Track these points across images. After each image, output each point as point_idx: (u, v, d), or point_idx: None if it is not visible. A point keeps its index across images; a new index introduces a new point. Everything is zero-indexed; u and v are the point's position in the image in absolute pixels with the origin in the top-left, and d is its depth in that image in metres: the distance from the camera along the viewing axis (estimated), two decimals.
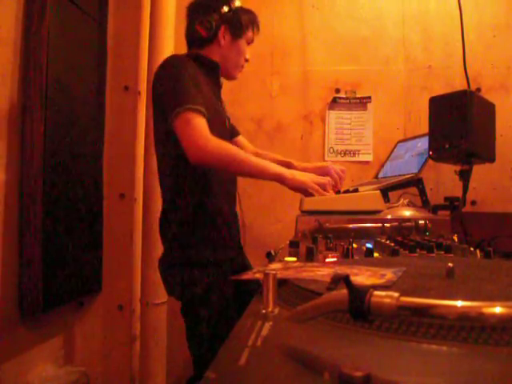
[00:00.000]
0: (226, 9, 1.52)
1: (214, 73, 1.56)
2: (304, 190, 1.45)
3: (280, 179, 1.41)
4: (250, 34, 1.58)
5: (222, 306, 1.38)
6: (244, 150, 1.60)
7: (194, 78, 1.40)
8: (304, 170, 1.66)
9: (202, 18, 1.52)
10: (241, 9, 1.56)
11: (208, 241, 1.44)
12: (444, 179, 2.09)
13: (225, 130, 1.57)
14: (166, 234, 1.51)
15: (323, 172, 1.62)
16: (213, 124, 1.39)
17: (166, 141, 1.43)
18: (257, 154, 1.69)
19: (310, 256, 0.89)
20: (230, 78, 1.63)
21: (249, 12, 1.58)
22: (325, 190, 1.46)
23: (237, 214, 1.64)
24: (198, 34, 1.53)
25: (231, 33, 1.54)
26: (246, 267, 1.58)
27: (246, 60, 1.61)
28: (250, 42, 1.61)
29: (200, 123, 1.33)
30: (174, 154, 1.42)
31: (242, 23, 1.55)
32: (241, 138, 1.79)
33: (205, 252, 1.43)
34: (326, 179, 1.48)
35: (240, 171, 1.46)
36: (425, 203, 1.69)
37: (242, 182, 1.80)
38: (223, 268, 1.43)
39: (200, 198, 1.44)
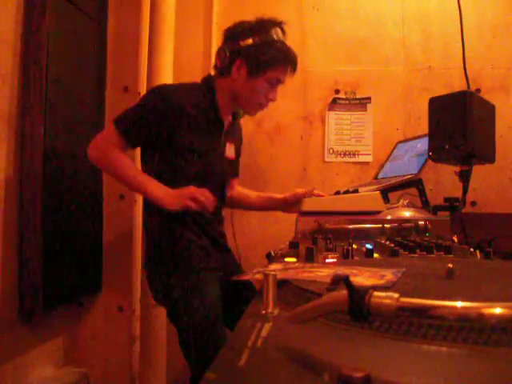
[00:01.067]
0: (246, 42, 1.40)
1: (214, 114, 1.48)
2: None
3: (153, 201, 1.40)
4: (273, 73, 1.43)
5: (203, 311, 1.36)
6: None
7: (157, 115, 1.38)
8: (285, 199, 1.69)
9: (220, 47, 1.45)
10: (269, 44, 1.41)
11: (180, 255, 1.42)
12: (444, 180, 2.09)
13: (214, 165, 1.49)
14: (146, 241, 1.54)
15: (303, 196, 1.60)
16: (194, 163, 1.42)
17: (149, 160, 1.49)
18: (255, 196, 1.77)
19: (309, 257, 0.89)
20: (246, 113, 1.58)
21: (278, 50, 1.42)
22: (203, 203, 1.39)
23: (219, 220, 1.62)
24: (215, 61, 1.48)
25: (247, 69, 1.41)
26: (231, 271, 1.53)
27: (270, 100, 1.49)
28: (275, 84, 1.46)
29: (111, 138, 1.39)
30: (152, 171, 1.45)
31: (262, 61, 1.40)
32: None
33: (181, 262, 1.42)
34: (201, 194, 1.39)
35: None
36: (425, 204, 1.69)
37: (241, 182, 1.80)
38: (202, 274, 1.41)
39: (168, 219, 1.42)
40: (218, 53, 1.46)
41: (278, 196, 1.72)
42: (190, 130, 1.41)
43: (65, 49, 1.82)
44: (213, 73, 1.56)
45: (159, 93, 1.42)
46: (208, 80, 1.53)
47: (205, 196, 1.38)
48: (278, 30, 1.44)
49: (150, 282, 1.50)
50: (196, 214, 1.43)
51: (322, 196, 1.62)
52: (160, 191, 1.37)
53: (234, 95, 1.48)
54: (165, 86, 1.51)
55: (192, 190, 1.37)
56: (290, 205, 1.67)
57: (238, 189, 1.77)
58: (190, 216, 1.43)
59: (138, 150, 1.59)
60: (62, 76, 1.79)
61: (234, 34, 1.43)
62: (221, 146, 1.53)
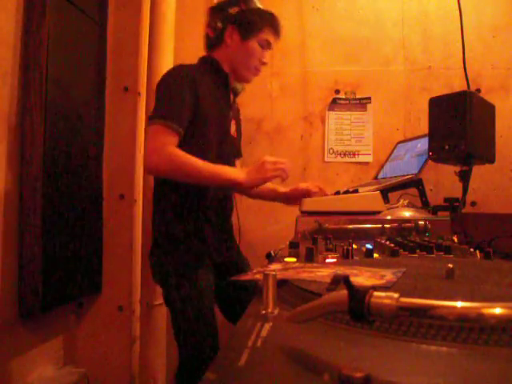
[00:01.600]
0: (235, 9, 1.50)
1: (224, 82, 1.55)
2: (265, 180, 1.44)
3: (235, 184, 1.44)
4: (263, 35, 1.52)
5: (197, 296, 1.41)
6: None
7: (187, 91, 1.40)
8: (285, 194, 1.72)
9: (210, 19, 1.54)
10: (254, 10, 1.52)
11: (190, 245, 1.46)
12: (444, 180, 2.09)
13: (226, 141, 1.56)
14: (154, 225, 1.54)
15: (302, 193, 1.65)
16: (213, 137, 1.46)
17: None
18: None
19: (309, 257, 0.89)
20: (243, 80, 1.61)
21: (265, 13, 1.53)
22: (283, 171, 1.44)
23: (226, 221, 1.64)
24: (207, 35, 1.55)
25: (240, 33, 1.51)
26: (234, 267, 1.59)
27: (263, 63, 1.57)
28: (265, 46, 1.55)
29: (163, 137, 1.36)
30: None
31: (252, 24, 1.50)
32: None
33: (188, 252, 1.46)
34: (278, 162, 1.44)
35: (196, 183, 1.44)
36: (425, 204, 1.69)
37: None
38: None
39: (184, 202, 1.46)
40: (209, 25, 1.53)
41: (281, 189, 1.75)
42: (209, 108, 1.45)
43: (65, 49, 1.82)
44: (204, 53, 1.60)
45: (179, 72, 1.46)
46: (206, 57, 1.57)
47: (281, 163, 1.44)
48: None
49: (152, 263, 1.54)
50: (208, 202, 1.48)
51: (325, 193, 1.63)
52: (240, 174, 1.42)
53: (230, 62, 1.54)
54: (180, 66, 1.52)
55: (267, 161, 1.41)
56: (291, 199, 1.71)
57: None
58: (203, 204, 1.47)
59: None
60: (61, 76, 1.80)
61: (220, 6, 1.53)
62: (229, 121, 1.59)
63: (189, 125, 1.42)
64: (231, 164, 1.60)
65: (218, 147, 1.50)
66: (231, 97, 1.61)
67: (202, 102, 1.43)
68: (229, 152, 1.59)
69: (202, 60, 1.57)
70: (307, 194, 1.64)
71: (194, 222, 1.47)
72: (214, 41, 1.54)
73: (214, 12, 1.54)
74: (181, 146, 1.39)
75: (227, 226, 1.63)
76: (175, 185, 1.45)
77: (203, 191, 1.47)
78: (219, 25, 1.51)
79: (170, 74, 1.48)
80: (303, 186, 1.69)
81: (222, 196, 1.56)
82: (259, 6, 1.54)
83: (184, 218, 1.47)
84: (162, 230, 1.49)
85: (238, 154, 1.76)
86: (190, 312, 1.40)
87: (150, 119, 1.42)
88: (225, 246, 1.59)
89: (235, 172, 1.44)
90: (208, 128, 1.46)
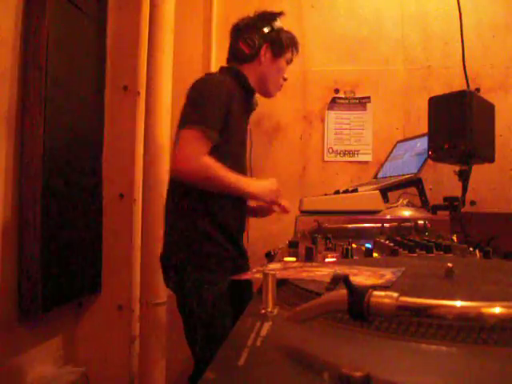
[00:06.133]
0: (268, 29, 1.61)
1: (249, 97, 1.63)
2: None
3: (252, 198, 1.59)
4: (289, 54, 1.66)
5: (216, 303, 1.42)
6: None
7: (223, 102, 1.46)
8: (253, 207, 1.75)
9: (245, 36, 1.61)
10: (282, 29, 1.64)
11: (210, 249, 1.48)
12: (443, 179, 2.09)
13: (243, 155, 1.65)
14: (170, 229, 1.56)
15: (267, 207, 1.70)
16: (234, 149, 1.54)
17: None
18: None
19: (309, 256, 0.89)
20: (268, 95, 1.71)
21: (289, 33, 1.67)
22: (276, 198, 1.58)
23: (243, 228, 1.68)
24: (241, 51, 1.62)
25: (272, 51, 1.61)
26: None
27: (285, 79, 1.70)
28: (289, 63, 1.69)
29: (199, 144, 1.40)
30: None
31: (283, 43, 1.63)
32: None
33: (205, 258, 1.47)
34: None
35: (217, 191, 1.47)
36: (424, 203, 1.69)
37: None
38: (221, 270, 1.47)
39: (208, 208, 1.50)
40: (246, 41, 1.61)
41: (251, 204, 1.76)
42: (235, 116, 1.51)
43: (65, 49, 1.82)
44: (225, 65, 1.67)
45: (213, 80, 1.54)
46: (235, 71, 1.61)
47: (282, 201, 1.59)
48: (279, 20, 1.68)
49: (166, 269, 1.54)
50: (230, 214, 1.53)
51: (286, 211, 1.65)
52: (258, 188, 1.54)
53: (259, 79, 1.63)
54: (212, 75, 1.63)
55: (276, 184, 1.57)
56: (258, 212, 1.77)
57: None
58: (228, 216, 1.52)
59: None
60: (61, 76, 1.79)
61: (250, 26, 1.62)
62: (247, 134, 1.70)
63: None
64: (245, 174, 1.67)
65: (237, 158, 1.56)
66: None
67: (231, 115, 1.48)
68: (243, 164, 1.65)
69: (231, 72, 1.60)
70: (270, 208, 1.68)
71: (212, 227, 1.48)
72: (248, 57, 1.61)
73: (250, 30, 1.62)
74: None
75: (243, 232, 1.67)
76: (198, 190, 1.46)
77: (225, 198, 1.50)
78: (256, 42, 1.59)
79: (207, 81, 1.53)
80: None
81: (241, 203, 1.60)
82: (281, 25, 1.66)
83: (204, 224, 1.48)
84: (179, 236, 1.50)
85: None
86: (208, 318, 1.41)
87: (185, 123, 1.43)
88: (241, 252, 1.62)
89: (256, 187, 1.54)
90: (233, 139, 1.53)
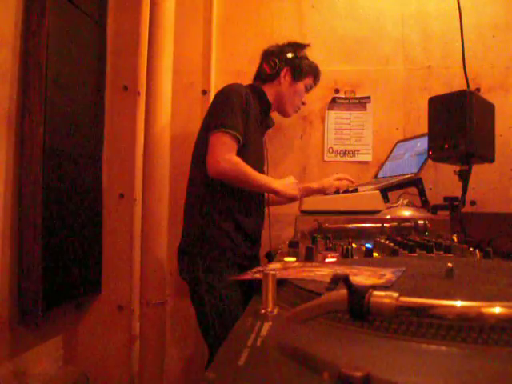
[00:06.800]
0: (291, 55, 1.81)
1: (265, 111, 1.80)
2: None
3: (275, 193, 1.68)
4: (308, 80, 1.85)
5: (225, 292, 1.55)
6: None
7: (244, 109, 1.62)
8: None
9: (269, 59, 1.81)
10: (306, 58, 1.85)
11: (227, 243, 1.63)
12: (443, 179, 2.09)
13: (260, 164, 1.77)
14: (188, 224, 1.71)
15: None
16: (250, 156, 1.64)
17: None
18: None
19: (309, 256, 0.89)
20: (285, 114, 1.91)
21: (312, 63, 1.87)
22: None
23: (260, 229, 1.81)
24: (264, 71, 1.82)
25: (292, 75, 1.80)
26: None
27: (303, 103, 1.90)
28: (308, 89, 1.88)
29: (228, 145, 1.57)
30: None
31: (303, 69, 1.82)
32: None
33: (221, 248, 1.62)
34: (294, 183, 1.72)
35: (248, 187, 1.65)
36: (424, 203, 1.69)
37: None
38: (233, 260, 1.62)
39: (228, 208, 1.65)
40: (268, 62, 1.81)
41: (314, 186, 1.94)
42: (251, 125, 1.66)
43: (65, 49, 1.82)
44: (247, 81, 1.84)
45: (237, 88, 1.67)
46: (255, 87, 1.80)
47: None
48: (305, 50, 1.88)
49: (181, 260, 1.68)
50: (248, 213, 1.69)
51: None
52: (280, 185, 1.67)
53: (277, 98, 1.82)
54: (240, 85, 1.71)
55: (297, 182, 1.73)
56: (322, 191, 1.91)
57: None
58: (242, 207, 1.67)
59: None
60: (61, 76, 1.79)
61: (280, 50, 1.83)
62: (263, 144, 1.85)
63: None
64: None
65: (253, 166, 1.65)
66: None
67: (248, 122, 1.63)
68: (262, 169, 1.79)
69: (252, 87, 1.78)
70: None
71: (229, 223, 1.63)
72: (268, 76, 1.81)
73: (274, 53, 1.82)
74: None
75: (260, 230, 1.80)
76: (219, 188, 1.63)
77: (245, 196, 1.67)
78: (277, 65, 1.79)
79: (231, 89, 1.65)
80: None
81: (259, 201, 1.76)
82: (307, 55, 1.86)
83: (222, 220, 1.62)
84: (194, 228, 1.65)
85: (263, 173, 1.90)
86: (218, 305, 1.53)
87: (215, 128, 1.58)
88: (254, 249, 1.75)
89: (275, 183, 1.66)
90: (249, 149, 1.65)
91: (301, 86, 1.83)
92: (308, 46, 1.89)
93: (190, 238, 1.66)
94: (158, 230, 2.04)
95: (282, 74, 1.80)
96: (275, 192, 1.66)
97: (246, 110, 1.63)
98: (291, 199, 1.72)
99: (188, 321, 2.15)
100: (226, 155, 1.56)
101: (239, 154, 1.61)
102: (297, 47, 1.85)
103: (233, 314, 1.51)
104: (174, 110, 2.13)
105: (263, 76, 1.82)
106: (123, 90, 2.23)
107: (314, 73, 1.86)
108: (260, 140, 1.80)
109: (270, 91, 1.80)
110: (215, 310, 1.53)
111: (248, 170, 1.59)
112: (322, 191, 1.87)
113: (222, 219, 1.63)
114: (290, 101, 1.84)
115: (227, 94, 1.64)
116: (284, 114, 1.90)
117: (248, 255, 1.68)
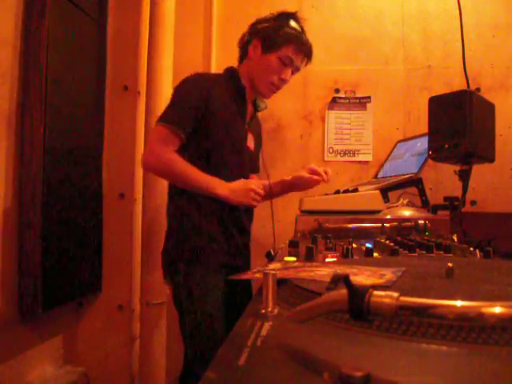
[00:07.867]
0: (263, 25, 1.54)
1: (241, 94, 1.56)
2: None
3: (219, 198, 1.46)
4: (285, 51, 1.52)
5: (205, 298, 1.42)
6: None
7: (201, 102, 1.44)
8: (291, 181, 1.67)
9: (243, 34, 1.61)
10: (280, 27, 1.52)
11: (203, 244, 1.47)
12: (443, 179, 2.09)
13: (241, 153, 1.56)
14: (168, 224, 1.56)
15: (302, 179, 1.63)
16: (225, 147, 1.49)
17: (183, 150, 1.48)
18: None
19: (309, 256, 0.89)
20: (261, 94, 1.61)
21: (291, 31, 1.53)
22: (257, 194, 1.49)
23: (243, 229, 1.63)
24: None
25: (262, 46, 1.53)
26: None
27: (282, 80, 1.56)
28: (288, 63, 1.54)
29: (165, 140, 1.43)
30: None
31: (275, 39, 1.51)
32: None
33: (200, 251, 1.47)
34: (249, 185, 1.49)
35: (184, 188, 1.48)
36: (424, 203, 1.69)
37: None
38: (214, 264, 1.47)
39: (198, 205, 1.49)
40: (240, 39, 1.60)
41: (287, 178, 1.70)
42: (220, 117, 1.48)
43: (65, 49, 1.82)
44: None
45: (192, 80, 1.50)
46: (230, 69, 1.61)
47: (260, 189, 1.50)
48: (294, 21, 1.57)
49: (163, 262, 1.55)
50: (229, 209, 1.50)
51: (321, 176, 1.59)
52: (224, 190, 1.45)
53: (250, 76, 1.57)
54: (196, 74, 1.55)
55: (253, 189, 1.47)
56: (298, 185, 1.69)
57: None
58: (224, 211, 1.49)
59: None
60: (61, 76, 1.79)
61: (254, 22, 1.59)
62: (244, 133, 1.60)
63: (197, 132, 1.46)
64: (245, 176, 1.58)
65: (230, 158, 1.51)
66: (249, 110, 1.61)
67: (212, 111, 1.46)
68: (243, 164, 1.58)
69: (225, 70, 1.61)
70: (312, 179, 1.60)
71: (206, 222, 1.48)
72: (240, 53, 1.61)
73: (249, 27, 1.60)
74: (190, 152, 1.46)
75: (244, 231, 1.63)
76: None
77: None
78: (246, 38, 1.58)
79: (183, 80, 1.51)
80: (304, 173, 1.64)
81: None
82: (294, 25, 1.55)
83: (197, 218, 1.48)
84: (173, 231, 1.52)
85: (255, 169, 1.74)
86: (196, 312, 1.41)
87: (157, 122, 1.47)
88: (237, 251, 1.57)
89: (220, 187, 1.45)
90: (219, 137, 1.48)
91: (273, 58, 1.51)
92: (294, 13, 1.59)
93: (170, 241, 1.53)
94: (158, 229, 2.04)
95: (251, 47, 1.55)
96: (220, 198, 1.45)
97: (209, 102, 1.45)
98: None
99: None
100: (158, 149, 1.42)
101: (210, 148, 1.47)
102: (277, 17, 1.56)
103: (213, 321, 1.40)
104: None
105: (239, 54, 1.62)
106: (123, 90, 2.22)
107: (292, 41, 1.52)
108: (240, 130, 1.57)
109: (243, 70, 1.58)
110: (193, 318, 1.42)
111: (182, 168, 1.42)
112: (296, 182, 1.65)
113: (201, 217, 1.48)
114: (260, 77, 1.55)
115: (178, 88, 1.50)
116: (260, 93, 1.60)
117: (227, 250, 1.51)
